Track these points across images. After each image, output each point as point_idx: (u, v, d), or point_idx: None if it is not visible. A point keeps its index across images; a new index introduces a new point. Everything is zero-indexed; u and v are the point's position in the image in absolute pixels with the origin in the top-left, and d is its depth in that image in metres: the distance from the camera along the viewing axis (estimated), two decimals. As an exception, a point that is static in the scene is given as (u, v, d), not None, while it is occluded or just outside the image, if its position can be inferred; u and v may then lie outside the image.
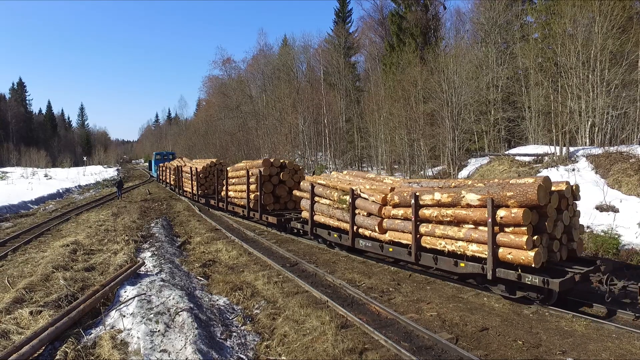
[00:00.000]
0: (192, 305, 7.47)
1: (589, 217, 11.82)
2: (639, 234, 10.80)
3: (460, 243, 8.56)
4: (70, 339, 6.31)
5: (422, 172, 23.19)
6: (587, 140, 18.26)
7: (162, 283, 8.74)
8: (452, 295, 8.61)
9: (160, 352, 5.95)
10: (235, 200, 19.23)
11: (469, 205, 8.39)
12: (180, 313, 7.05)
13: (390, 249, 10.37)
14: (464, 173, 20.09)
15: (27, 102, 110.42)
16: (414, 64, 26.35)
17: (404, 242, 9.91)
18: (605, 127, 18.12)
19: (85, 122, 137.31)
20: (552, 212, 7.84)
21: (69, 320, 6.72)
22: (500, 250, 7.84)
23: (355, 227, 11.43)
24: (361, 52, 44.64)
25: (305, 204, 13.78)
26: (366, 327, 6.95)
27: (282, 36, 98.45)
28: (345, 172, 15.19)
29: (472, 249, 8.35)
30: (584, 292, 8.27)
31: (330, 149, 36.86)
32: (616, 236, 10.47)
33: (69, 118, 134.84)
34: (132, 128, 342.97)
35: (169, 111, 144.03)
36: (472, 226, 8.40)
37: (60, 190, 34.63)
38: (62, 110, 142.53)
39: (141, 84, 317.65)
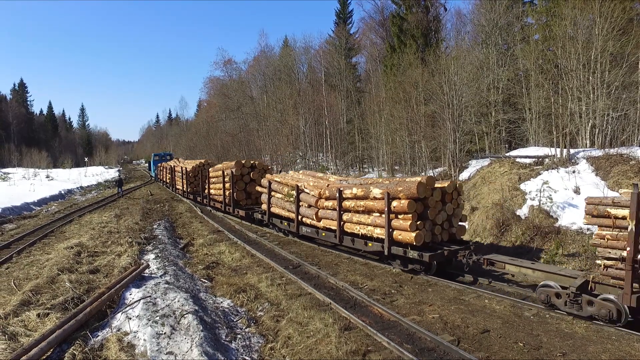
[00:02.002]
0: (197, 308, 7.57)
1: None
2: None
3: (369, 227, 10.99)
4: (77, 341, 6.41)
5: (423, 174, 23.26)
6: (588, 142, 18.31)
7: (166, 285, 8.83)
8: (454, 297, 8.69)
9: (166, 354, 6.05)
10: (216, 196, 22.09)
11: (375, 198, 10.74)
12: (185, 315, 7.14)
13: (324, 234, 12.82)
14: (464, 175, 20.14)
15: (28, 102, 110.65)
16: (415, 65, 26.39)
17: (333, 227, 12.31)
18: (605, 129, 18.17)
19: (86, 123, 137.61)
20: (435, 204, 10.18)
21: (76, 323, 6.81)
22: (395, 232, 10.20)
23: (299, 217, 13.87)
24: (362, 53, 44.67)
25: (264, 197, 16.35)
26: (369, 329, 7.04)
27: (283, 37, 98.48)
28: (300, 171, 17.64)
29: (377, 232, 10.76)
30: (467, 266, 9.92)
31: (331, 150, 36.93)
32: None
33: (69, 119, 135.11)
34: (133, 128, 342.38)
35: (170, 112, 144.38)
36: (377, 214, 10.73)
37: (62, 192, 34.75)
38: (63, 110, 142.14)
39: (142, 84, 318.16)
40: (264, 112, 46.54)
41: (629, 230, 6.61)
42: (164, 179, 39.07)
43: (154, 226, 17.70)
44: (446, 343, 6.49)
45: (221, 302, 8.57)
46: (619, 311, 6.85)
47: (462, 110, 22.59)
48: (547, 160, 16.76)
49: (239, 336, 7.01)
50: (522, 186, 15.15)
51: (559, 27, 18.61)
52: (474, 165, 20.64)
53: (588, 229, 11.55)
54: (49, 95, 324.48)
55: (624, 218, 6.76)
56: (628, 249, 6.63)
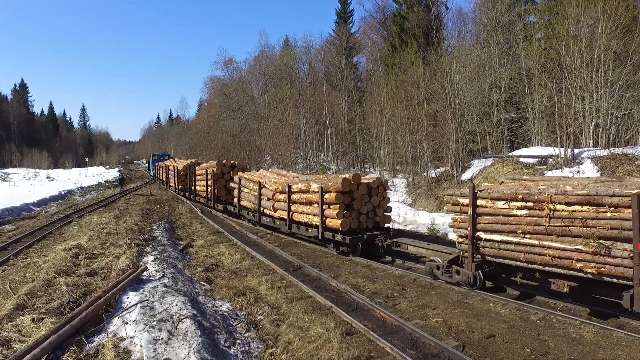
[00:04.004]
0: (195, 312, 7.40)
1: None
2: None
3: (310, 216, 12.99)
4: (72, 347, 6.24)
5: (425, 174, 23.08)
6: (591, 142, 18.14)
7: (164, 289, 8.66)
8: (458, 300, 8.51)
9: (163, 361, 5.88)
10: (201, 192, 24.71)
11: (314, 192, 12.70)
12: (183, 320, 6.97)
13: (278, 223, 15.03)
14: (467, 174, 19.98)
15: (29, 103, 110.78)
16: (416, 64, 26.22)
17: (284, 217, 14.30)
18: (609, 128, 18.01)
19: (87, 123, 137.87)
20: (361, 196, 12.10)
21: (71, 328, 6.65)
22: (327, 220, 12.17)
23: (261, 208, 16.13)
24: (363, 53, 44.52)
25: (235, 192, 18.72)
26: (371, 334, 6.86)
27: (283, 37, 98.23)
28: (269, 170, 19.90)
29: (315, 220, 12.66)
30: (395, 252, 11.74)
31: (332, 150, 36.76)
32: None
33: (70, 119, 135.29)
34: (133, 129, 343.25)
35: (171, 112, 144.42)
36: (316, 205, 12.52)
37: (62, 192, 34.61)
38: (64, 111, 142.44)
39: (142, 84, 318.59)
40: (264, 111, 46.43)
41: (468, 214, 8.70)
42: (161, 178, 41.73)
43: (154, 227, 17.54)
44: (451, 349, 6.31)
45: (220, 306, 8.40)
46: (474, 277, 8.73)
47: (464, 109, 22.40)
48: (551, 160, 16.59)
49: (238, 341, 6.83)
50: (526, 186, 14.96)
51: (562, 26, 18.44)
52: (477, 165, 20.47)
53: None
54: (50, 95, 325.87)
55: (467, 205, 8.79)
56: (469, 228, 8.67)
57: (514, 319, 7.53)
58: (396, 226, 16.62)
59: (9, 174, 54.22)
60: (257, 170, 20.16)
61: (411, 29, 32.14)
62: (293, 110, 38.15)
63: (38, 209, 26.15)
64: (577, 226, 7.03)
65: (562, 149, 16.71)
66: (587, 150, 16.58)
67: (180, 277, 9.99)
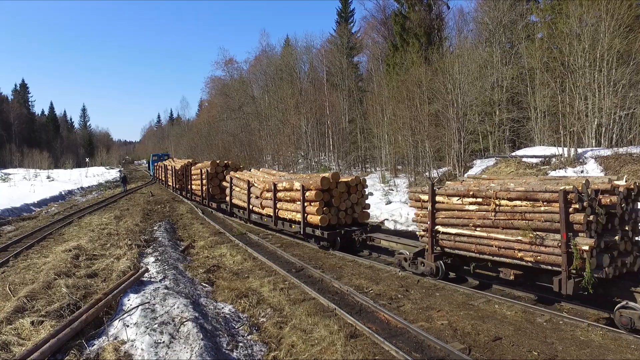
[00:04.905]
0: (197, 315, 7.29)
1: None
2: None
3: (293, 213, 13.70)
4: (72, 351, 6.14)
5: (427, 174, 22.96)
6: (594, 141, 18.01)
7: (166, 291, 8.56)
8: (462, 302, 8.40)
9: (165, 365, 5.78)
10: (196, 191, 25.70)
11: (297, 190, 13.37)
12: (185, 323, 6.87)
13: (265, 220, 15.73)
14: (469, 174, 19.86)
15: (30, 103, 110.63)
16: (418, 64, 26.11)
17: (271, 214, 15.02)
18: (612, 128, 17.88)
19: (88, 123, 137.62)
20: (340, 194, 12.81)
21: (71, 331, 6.54)
22: (308, 216, 12.88)
23: (250, 206, 16.88)
24: (364, 53, 44.41)
25: (227, 191, 19.41)
26: (376, 336, 6.75)
27: (284, 37, 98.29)
28: (261, 169, 20.14)
29: (297, 216, 13.38)
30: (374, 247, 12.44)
31: (333, 150, 36.65)
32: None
33: (71, 119, 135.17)
34: (134, 129, 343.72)
35: (171, 112, 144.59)
36: (299, 202, 13.15)
37: (63, 193, 34.55)
38: (65, 111, 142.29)
39: (143, 84, 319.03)
40: (265, 112, 46.33)
41: (428, 210, 9.37)
42: (160, 177, 42.87)
43: (155, 228, 17.44)
44: (457, 352, 6.21)
45: (222, 308, 8.30)
46: (437, 268, 9.42)
47: (466, 109, 22.28)
48: (554, 160, 16.45)
49: (240, 344, 6.73)
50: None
51: (564, 25, 18.31)
52: (479, 165, 20.35)
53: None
54: (51, 95, 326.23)
55: (427, 202, 9.46)
56: (428, 222, 9.36)
57: (520, 321, 7.42)
58: (399, 227, 16.52)
59: (9, 174, 54.14)
60: (249, 170, 20.96)
61: (412, 29, 32.02)
62: (294, 110, 38.03)
63: (38, 209, 26.08)
64: (517, 219, 7.71)
65: (566, 149, 16.57)
66: (591, 150, 16.45)
67: (181, 279, 9.89)
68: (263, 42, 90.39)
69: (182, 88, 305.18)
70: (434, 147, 23.36)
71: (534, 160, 17.40)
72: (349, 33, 43.21)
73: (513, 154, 20.06)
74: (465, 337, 6.84)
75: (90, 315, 7.15)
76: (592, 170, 14.38)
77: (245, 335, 7.15)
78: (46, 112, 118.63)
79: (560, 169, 15.19)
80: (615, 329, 6.82)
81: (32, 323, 6.95)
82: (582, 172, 14.31)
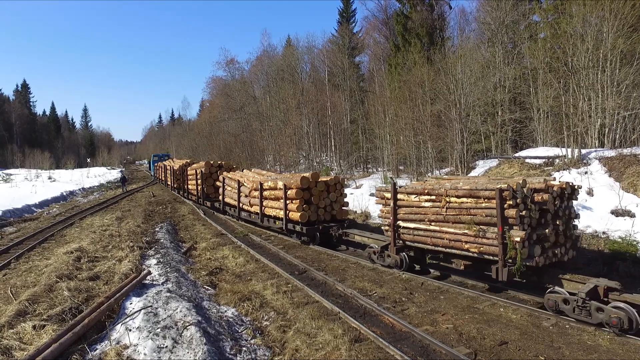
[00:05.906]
0: (200, 319, 7.23)
1: (605, 222, 11.48)
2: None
3: (277, 210, 14.66)
4: (74, 356, 6.11)
5: (429, 174, 22.87)
6: (597, 142, 17.90)
7: (168, 294, 8.50)
8: (467, 305, 8.33)
9: (168, 370, 5.72)
10: (192, 190, 26.78)
11: (280, 188, 14.30)
12: (188, 327, 6.81)
13: (253, 217, 16.72)
14: (472, 175, 19.76)
15: (31, 103, 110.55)
16: (420, 64, 25.99)
17: (258, 212, 16.04)
18: (615, 129, 17.77)
19: (89, 124, 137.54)
20: (319, 192, 13.83)
21: (73, 336, 6.49)
22: (289, 213, 13.86)
23: (240, 204, 17.77)
24: (365, 53, 44.29)
25: (220, 191, 20.40)
26: (380, 341, 6.69)
27: (285, 37, 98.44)
28: (252, 170, 21.11)
29: (280, 213, 14.35)
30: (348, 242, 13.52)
31: (335, 150, 36.55)
32: (634, 243, 10.14)
33: (72, 119, 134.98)
34: (135, 129, 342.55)
35: (172, 112, 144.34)
36: (282, 200, 14.10)
37: (64, 193, 34.52)
38: (66, 111, 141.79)
39: (144, 85, 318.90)
40: (266, 112, 46.20)
41: (391, 206, 10.24)
42: (161, 177, 43.97)
43: (156, 229, 17.38)
44: (462, 356, 6.14)
45: (225, 312, 8.24)
46: (401, 260, 10.30)
47: (469, 109, 22.19)
48: (557, 161, 16.34)
49: (244, 349, 6.67)
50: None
51: (568, 25, 18.21)
52: (482, 166, 20.25)
53: (604, 233, 11.17)
54: (52, 96, 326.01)
55: (390, 199, 10.29)
56: (391, 217, 10.28)
57: (526, 324, 7.35)
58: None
59: (10, 174, 54.13)
60: (250, 170, 21.45)
61: (414, 29, 31.92)
62: (295, 111, 37.92)
63: (40, 210, 26.05)
64: (464, 215, 8.65)
65: (569, 150, 16.45)
66: (595, 151, 16.33)
67: (184, 282, 9.83)
68: (264, 42, 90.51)
69: (183, 88, 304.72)
70: (436, 147, 23.25)
71: (538, 161, 17.29)
72: (350, 33, 43.12)
73: (517, 154, 19.93)
74: (470, 342, 6.77)
75: (93, 319, 7.09)
76: (596, 171, 14.26)
77: (249, 339, 7.09)
78: (47, 113, 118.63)
79: (563, 170, 15.07)
80: (623, 334, 6.74)
81: (34, 327, 6.90)
82: (585, 173, 14.20)
